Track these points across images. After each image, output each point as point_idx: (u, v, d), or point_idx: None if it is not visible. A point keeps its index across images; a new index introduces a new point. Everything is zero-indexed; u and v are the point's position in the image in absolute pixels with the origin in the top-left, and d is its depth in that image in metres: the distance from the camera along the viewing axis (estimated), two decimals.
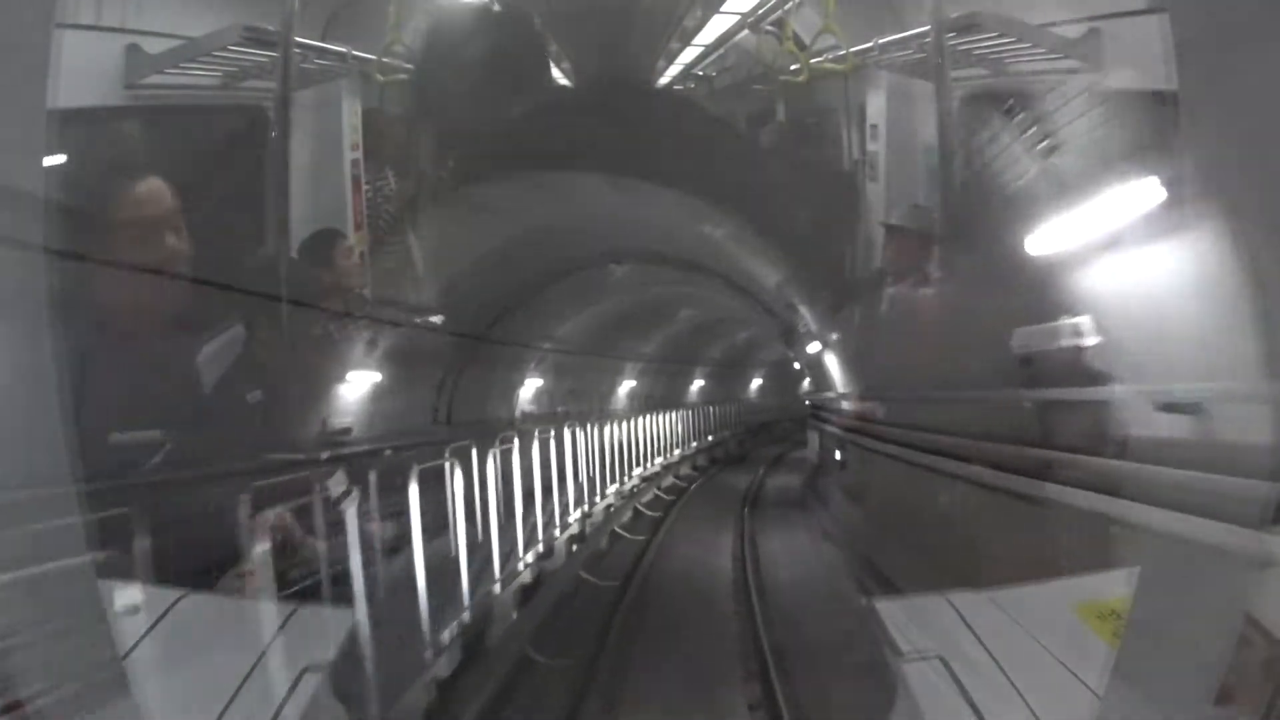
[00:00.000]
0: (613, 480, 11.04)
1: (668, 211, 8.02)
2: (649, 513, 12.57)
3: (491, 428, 8.78)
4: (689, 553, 10.73)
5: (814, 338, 9.98)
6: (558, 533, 8.15)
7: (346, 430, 6.51)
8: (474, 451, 6.42)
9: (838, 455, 10.45)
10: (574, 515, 8.97)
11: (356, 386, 6.91)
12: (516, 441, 7.30)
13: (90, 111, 4.15)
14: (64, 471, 2.76)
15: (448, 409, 8.85)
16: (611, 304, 13.00)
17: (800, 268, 8.31)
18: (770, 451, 21.48)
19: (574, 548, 8.76)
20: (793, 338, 12.17)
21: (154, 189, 3.97)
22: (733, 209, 7.41)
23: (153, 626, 2.96)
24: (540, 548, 7.49)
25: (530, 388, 11.80)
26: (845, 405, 9.47)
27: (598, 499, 10.09)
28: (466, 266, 7.82)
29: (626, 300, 13.21)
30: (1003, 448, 4.37)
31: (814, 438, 13.65)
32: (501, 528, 6.62)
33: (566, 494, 8.94)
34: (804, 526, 11.60)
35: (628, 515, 11.89)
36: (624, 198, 7.62)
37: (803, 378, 26.21)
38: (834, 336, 9.11)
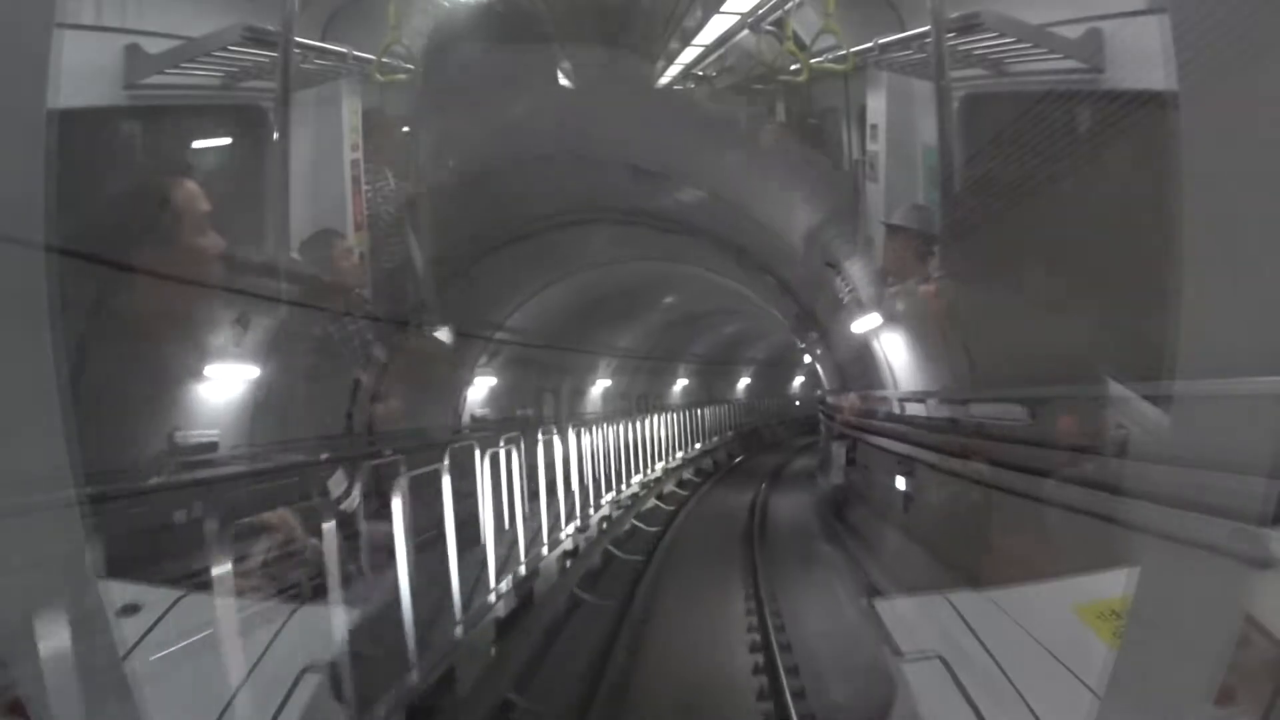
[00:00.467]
0: (570, 519, 7.99)
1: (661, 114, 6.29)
2: (622, 555, 9.45)
3: (421, 440, 7.06)
4: (687, 640, 7.10)
5: (869, 308, 6.95)
6: (458, 631, 4.96)
7: (209, 446, 4.98)
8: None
9: (900, 484, 7.24)
10: (500, 584, 5.75)
11: (227, 385, 5.27)
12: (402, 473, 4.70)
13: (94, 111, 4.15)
14: (64, 474, 2.75)
15: (367, 416, 6.82)
16: (580, 284, 10.70)
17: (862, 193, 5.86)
18: (765, 462, 18.58)
19: (493, 651, 5.44)
20: (811, 320, 9.86)
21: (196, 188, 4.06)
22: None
23: (153, 627, 2.97)
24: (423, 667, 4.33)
25: (478, 388, 9.57)
26: (914, 409, 6.82)
27: (544, 550, 7.00)
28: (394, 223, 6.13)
29: (598, 279, 10.93)
30: None
31: (837, 453, 10.25)
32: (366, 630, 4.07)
33: (502, 540, 6.19)
34: (849, 591, 7.69)
35: (596, 558, 8.67)
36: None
37: (794, 377, 25.61)
38: (903, 307, 6.30)
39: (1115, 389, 3.62)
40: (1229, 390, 2.32)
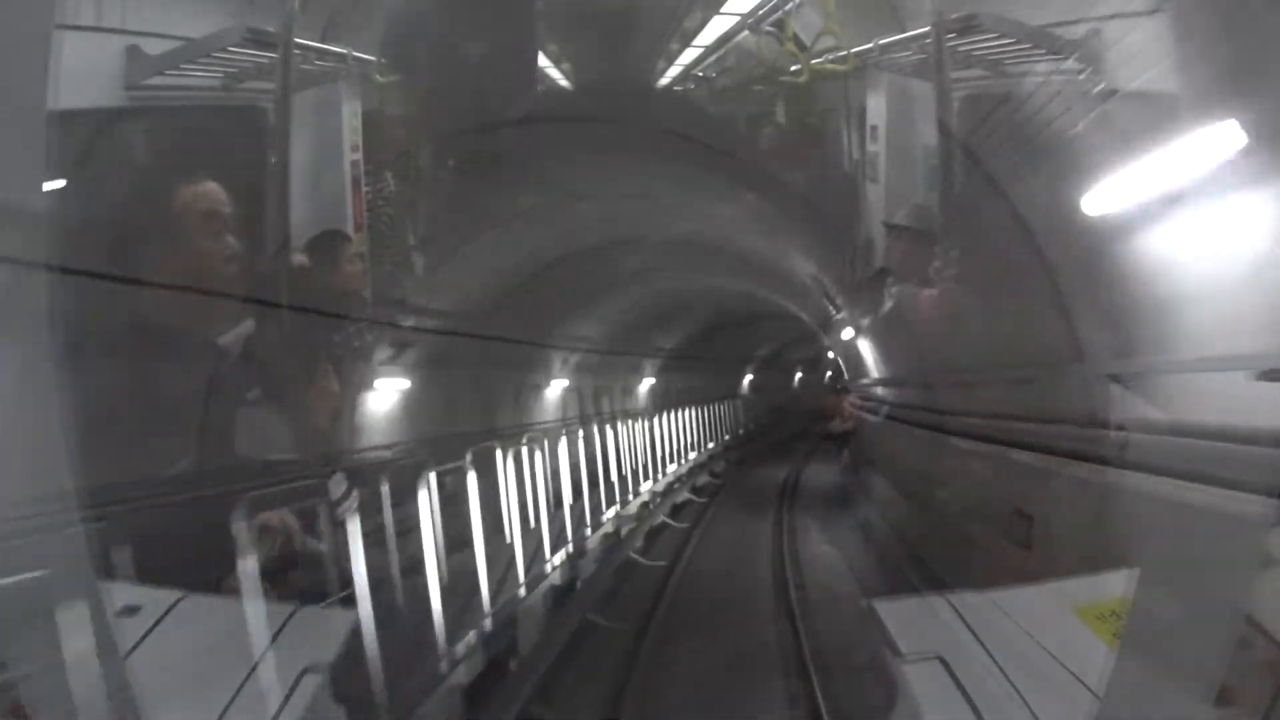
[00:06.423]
0: (672, 460, 12.92)
1: None
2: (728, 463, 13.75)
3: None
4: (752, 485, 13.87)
5: (859, 314, 8.47)
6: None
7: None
8: None
9: (875, 440, 10.82)
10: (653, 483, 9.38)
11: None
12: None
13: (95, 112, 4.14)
14: (65, 476, 2.76)
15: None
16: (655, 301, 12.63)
17: None
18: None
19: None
20: (827, 324, 11.67)
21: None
22: None
23: (153, 627, 2.97)
24: None
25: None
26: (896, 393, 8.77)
27: (667, 469, 11.96)
28: None
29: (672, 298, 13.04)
30: None
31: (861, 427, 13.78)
32: None
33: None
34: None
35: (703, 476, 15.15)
36: None
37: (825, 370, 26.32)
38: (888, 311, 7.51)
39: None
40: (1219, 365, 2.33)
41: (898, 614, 3.75)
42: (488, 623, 5.71)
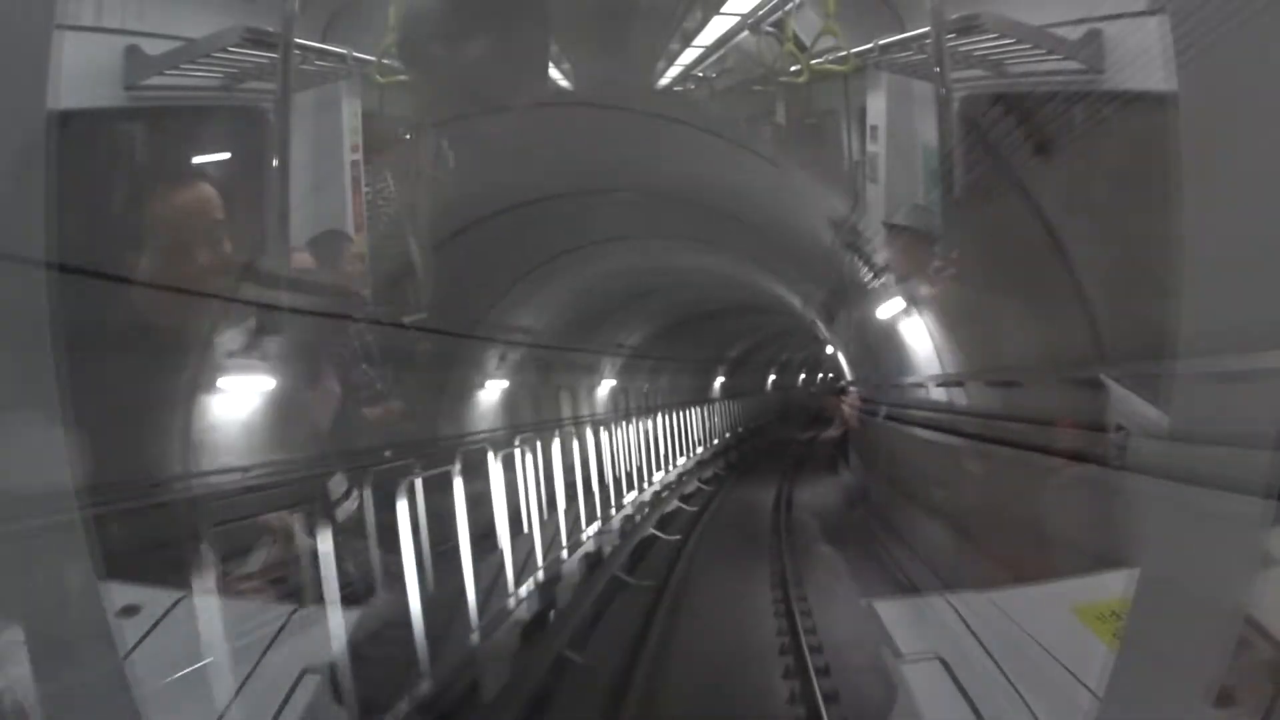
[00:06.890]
0: (705, 442, 16.44)
1: None
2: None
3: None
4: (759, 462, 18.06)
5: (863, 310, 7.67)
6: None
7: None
8: None
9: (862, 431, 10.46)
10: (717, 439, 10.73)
11: None
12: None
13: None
14: (65, 475, 2.76)
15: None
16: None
17: None
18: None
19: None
20: (829, 319, 11.65)
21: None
22: None
23: (153, 627, 2.97)
24: None
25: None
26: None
27: (715, 438, 14.63)
28: None
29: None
30: None
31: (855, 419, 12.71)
32: None
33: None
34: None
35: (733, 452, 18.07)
36: None
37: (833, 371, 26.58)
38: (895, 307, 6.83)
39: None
40: (1230, 366, 2.32)
41: (898, 614, 3.75)
42: None
